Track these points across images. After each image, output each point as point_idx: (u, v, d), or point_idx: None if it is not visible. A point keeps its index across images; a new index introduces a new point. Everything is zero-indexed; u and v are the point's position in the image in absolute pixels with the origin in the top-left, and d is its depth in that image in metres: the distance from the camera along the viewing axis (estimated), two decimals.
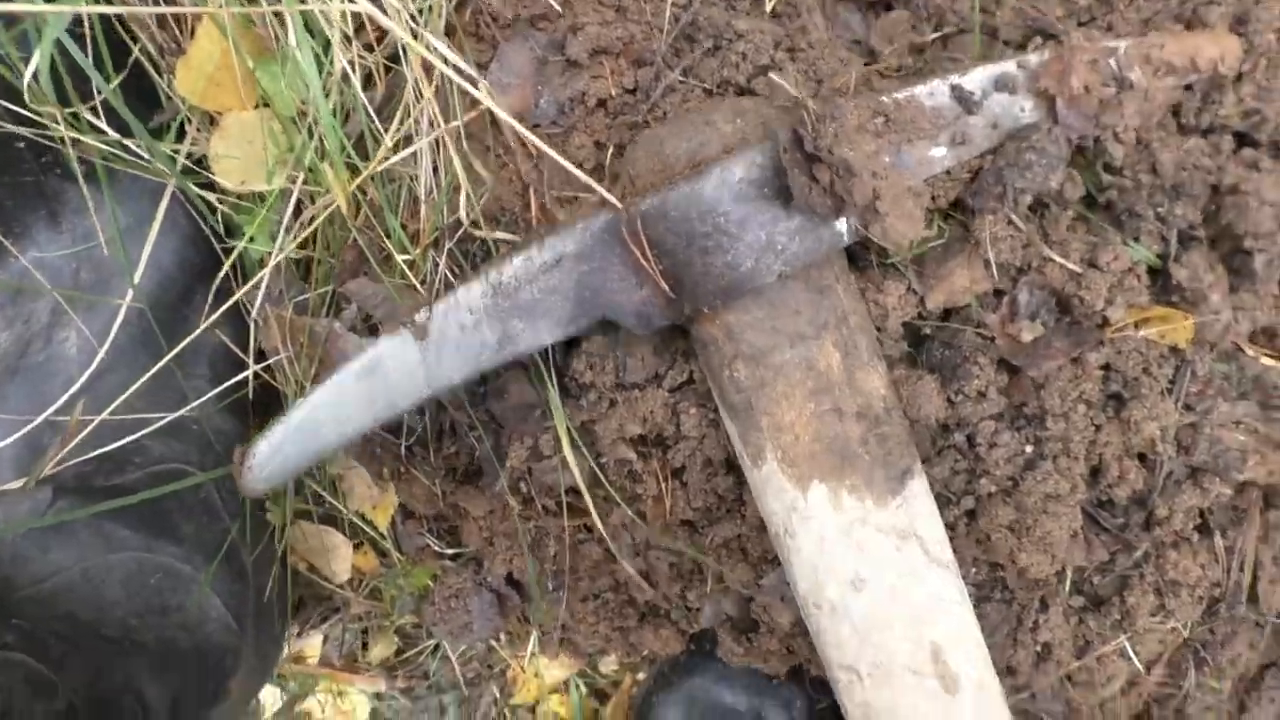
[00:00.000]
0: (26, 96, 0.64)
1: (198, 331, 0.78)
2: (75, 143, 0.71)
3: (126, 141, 0.73)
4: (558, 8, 0.76)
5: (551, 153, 0.69)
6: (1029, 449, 0.77)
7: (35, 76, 0.61)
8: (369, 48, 0.74)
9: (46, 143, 0.73)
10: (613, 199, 0.67)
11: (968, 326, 0.77)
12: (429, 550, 0.93)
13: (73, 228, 0.79)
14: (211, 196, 0.78)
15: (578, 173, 0.69)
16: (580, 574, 0.88)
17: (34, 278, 0.78)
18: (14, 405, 0.78)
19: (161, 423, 0.78)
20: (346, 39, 0.70)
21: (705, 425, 0.76)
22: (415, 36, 0.67)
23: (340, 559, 0.95)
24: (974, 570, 0.80)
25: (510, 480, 0.80)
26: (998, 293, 0.77)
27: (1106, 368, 0.77)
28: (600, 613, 0.90)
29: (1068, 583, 0.80)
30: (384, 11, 0.66)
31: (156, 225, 0.77)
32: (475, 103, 0.71)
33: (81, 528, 0.74)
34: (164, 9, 0.58)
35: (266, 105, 0.74)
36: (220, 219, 0.79)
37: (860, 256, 0.75)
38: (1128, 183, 0.75)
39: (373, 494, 0.90)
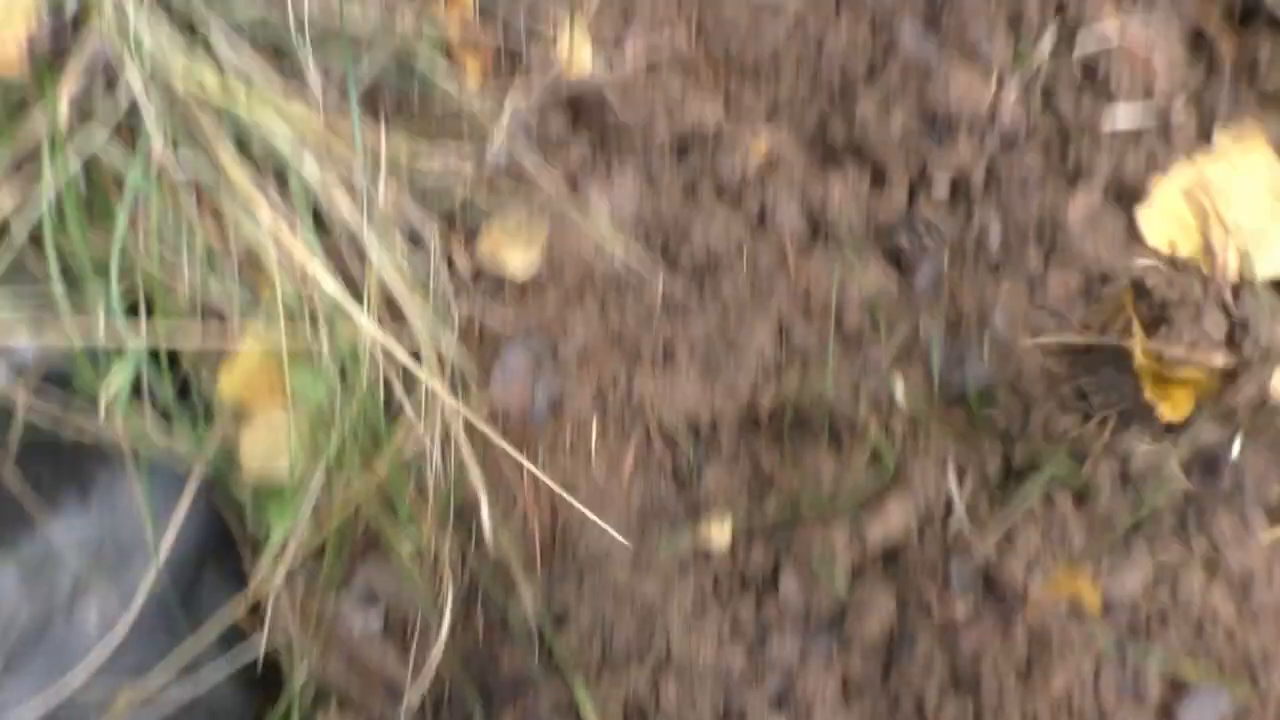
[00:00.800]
0: (102, 418, 0.72)
1: (222, 611, 0.83)
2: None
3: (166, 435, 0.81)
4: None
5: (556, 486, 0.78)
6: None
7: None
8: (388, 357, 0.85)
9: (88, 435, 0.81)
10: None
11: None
12: None
13: (100, 505, 0.86)
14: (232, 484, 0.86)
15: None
16: None
17: (58, 552, 0.84)
18: (33, 681, 0.82)
19: (180, 700, 0.83)
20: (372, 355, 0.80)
21: (685, 704, 0.84)
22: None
23: None
24: None
25: None
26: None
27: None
28: None
29: None
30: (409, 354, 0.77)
31: (183, 508, 0.85)
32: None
33: None
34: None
35: (295, 405, 0.83)
36: (241, 504, 0.86)
37: None
38: None
39: None
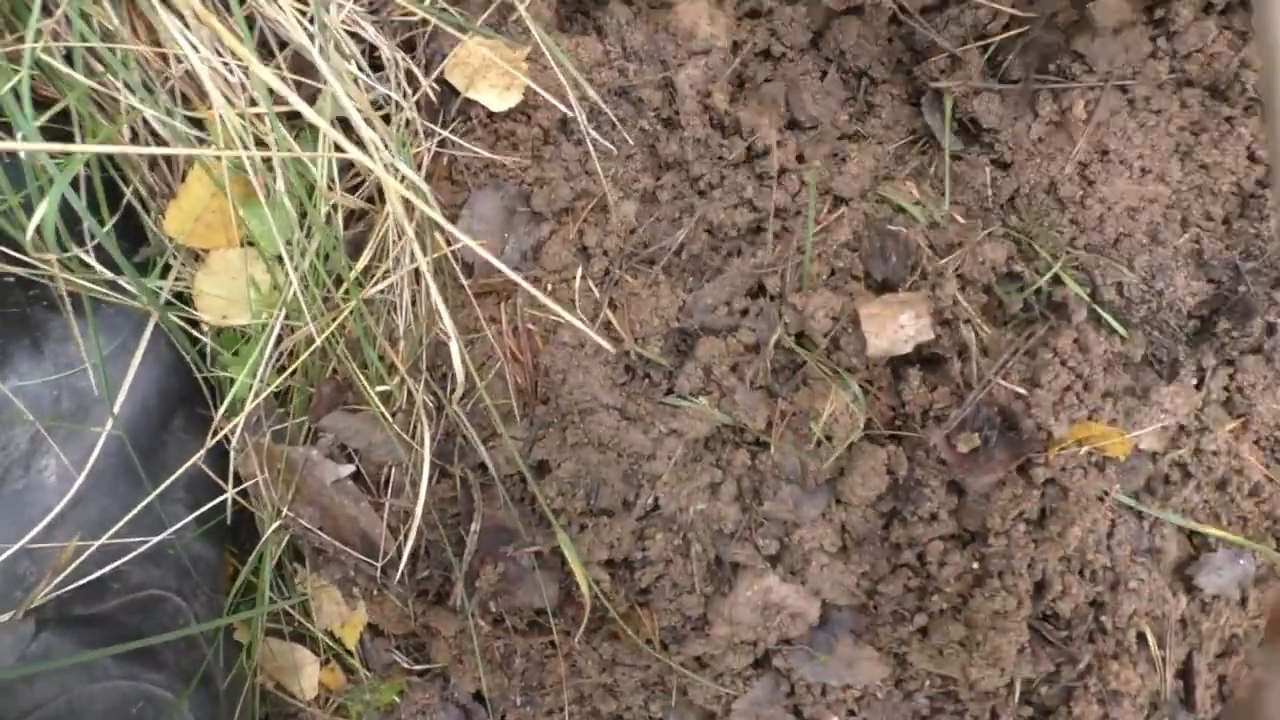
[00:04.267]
0: (29, 248, 0.66)
1: (187, 465, 0.79)
2: (65, 279, 0.73)
3: (113, 278, 0.75)
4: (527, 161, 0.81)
5: (551, 304, 0.72)
6: (975, 566, 0.82)
7: (39, 229, 0.63)
8: (351, 189, 0.78)
9: (36, 278, 0.76)
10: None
11: (918, 451, 0.81)
12: (396, 666, 0.94)
13: (55, 356, 0.81)
14: (192, 329, 0.80)
15: (571, 318, 0.73)
16: (546, 689, 0.90)
17: (13, 405, 0.80)
18: None
19: (141, 549, 0.79)
20: (331, 181, 0.73)
21: (672, 551, 0.80)
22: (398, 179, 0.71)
23: (307, 676, 0.96)
24: (927, 684, 0.84)
25: (480, 600, 0.83)
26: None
27: (1048, 483, 0.82)
28: None
29: (1016, 694, 0.84)
30: (366, 153, 0.70)
31: (139, 355, 0.80)
32: (447, 242, 0.76)
33: (63, 658, 0.75)
34: (159, 149, 0.61)
35: (251, 244, 0.77)
36: (201, 350, 0.81)
37: None
38: None
39: (342, 612, 0.91)
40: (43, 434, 0.80)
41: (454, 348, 0.70)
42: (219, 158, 0.70)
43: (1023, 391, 0.82)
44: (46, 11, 0.62)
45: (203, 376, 0.83)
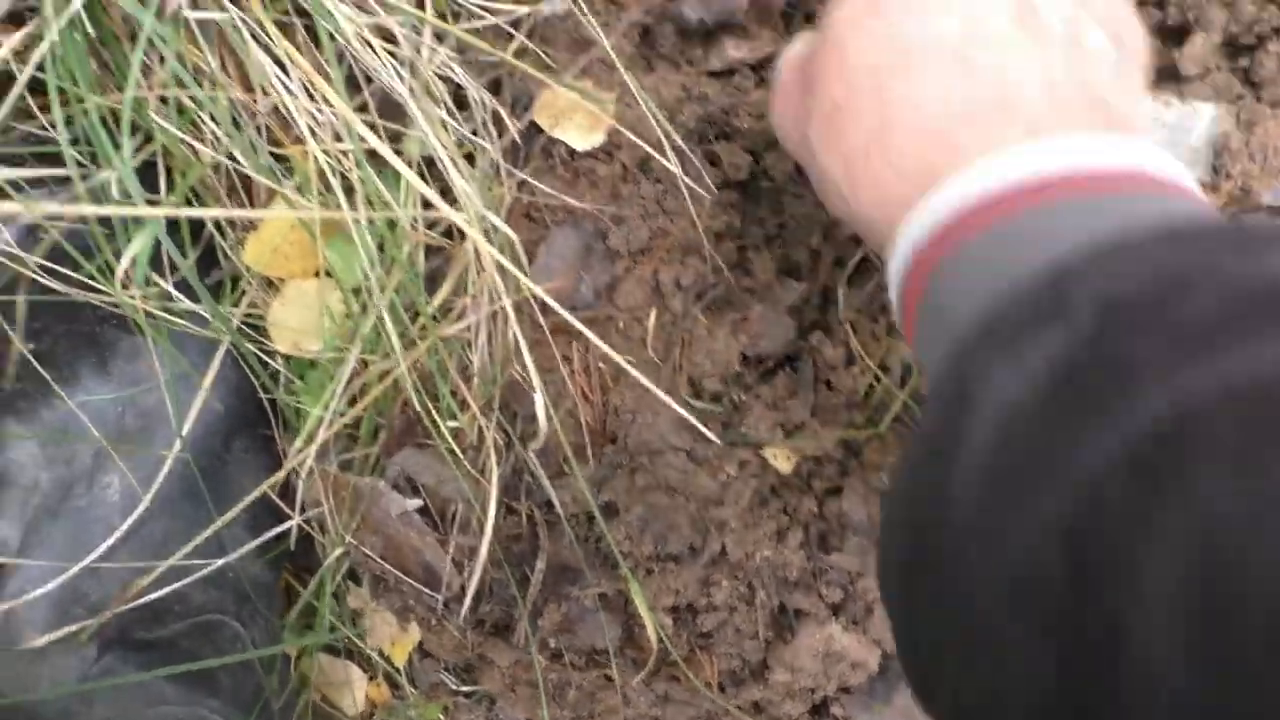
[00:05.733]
0: (118, 287, 0.66)
1: (256, 491, 0.79)
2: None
3: (189, 306, 0.75)
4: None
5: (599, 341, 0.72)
6: None
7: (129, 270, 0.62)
8: (430, 225, 0.77)
9: (111, 306, 0.75)
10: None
11: None
12: (443, 686, 0.94)
13: (121, 373, 0.81)
14: (263, 354, 0.80)
15: (634, 371, 0.72)
16: (596, 719, 0.90)
17: (79, 420, 0.79)
18: (55, 548, 0.79)
19: (203, 572, 0.79)
20: (414, 222, 0.72)
21: (736, 598, 0.80)
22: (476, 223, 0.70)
23: (356, 691, 0.96)
24: None
25: (542, 637, 0.83)
26: None
27: None
28: None
29: None
30: (452, 205, 0.69)
31: (210, 377, 0.79)
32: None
33: (123, 682, 0.75)
34: (244, 213, 0.61)
35: (328, 274, 0.76)
36: (272, 374, 0.80)
37: None
38: None
39: (394, 632, 0.91)
40: (107, 451, 0.80)
41: (538, 398, 0.69)
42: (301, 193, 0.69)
43: None
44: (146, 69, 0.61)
45: (269, 398, 0.83)
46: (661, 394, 0.72)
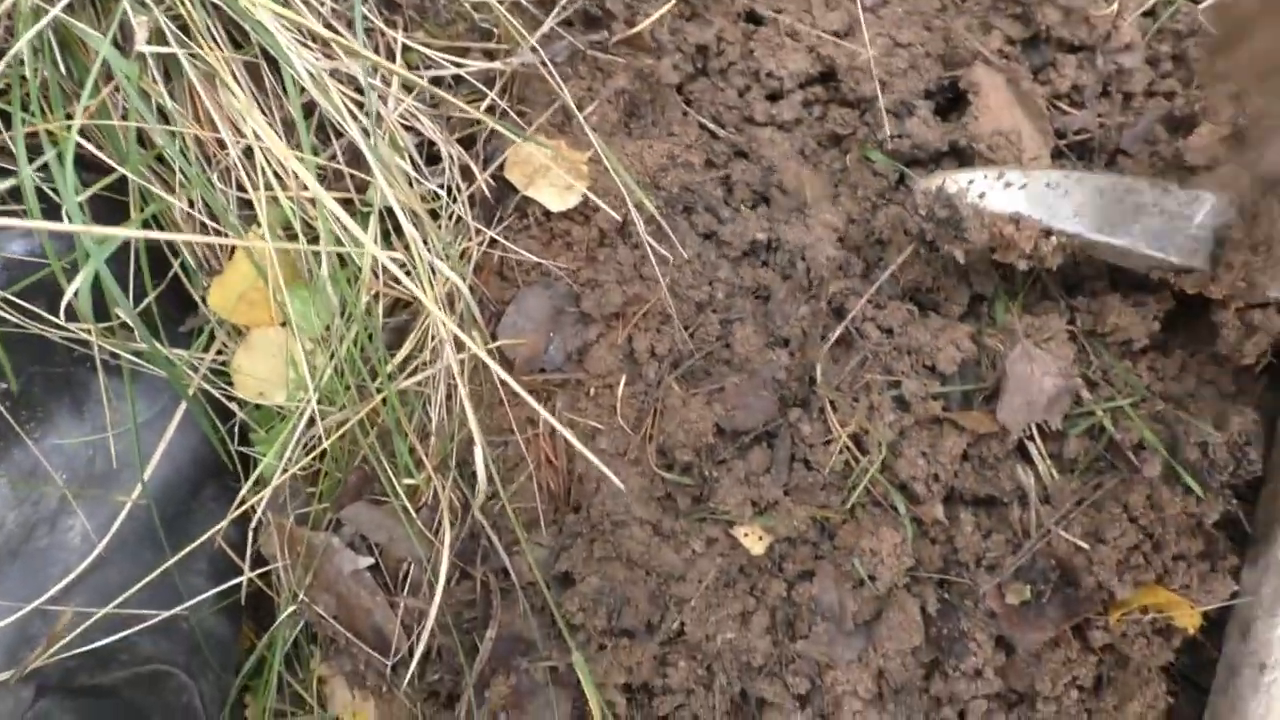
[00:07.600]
0: (62, 316, 0.66)
1: (204, 536, 0.78)
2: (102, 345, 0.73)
3: (152, 347, 0.75)
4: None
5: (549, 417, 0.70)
6: None
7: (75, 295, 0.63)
8: (393, 281, 0.77)
9: (81, 344, 0.76)
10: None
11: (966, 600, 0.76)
12: None
13: (94, 417, 0.81)
14: (229, 402, 0.80)
15: (586, 450, 0.70)
16: None
17: (47, 464, 0.79)
18: (11, 589, 0.78)
19: (154, 620, 0.78)
20: (375, 273, 0.72)
21: (694, 681, 0.76)
22: (437, 288, 0.69)
23: None
24: None
25: (490, 710, 0.79)
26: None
27: (1106, 649, 0.77)
28: None
29: None
30: (408, 273, 0.68)
31: (174, 423, 0.79)
32: (492, 338, 0.74)
33: None
34: (210, 239, 0.60)
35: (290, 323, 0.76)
36: (237, 425, 0.80)
37: None
38: None
39: (354, 702, 0.89)
40: (72, 495, 0.79)
41: (478, 453, 0.67)
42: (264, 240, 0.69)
43: (1084, 545, 0.76)
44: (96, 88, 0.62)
45: (236, 450, 0.82)
46: (611, 475, 0.70)
